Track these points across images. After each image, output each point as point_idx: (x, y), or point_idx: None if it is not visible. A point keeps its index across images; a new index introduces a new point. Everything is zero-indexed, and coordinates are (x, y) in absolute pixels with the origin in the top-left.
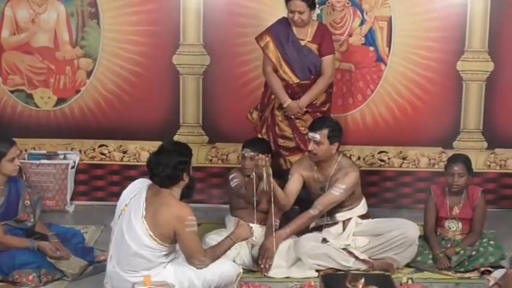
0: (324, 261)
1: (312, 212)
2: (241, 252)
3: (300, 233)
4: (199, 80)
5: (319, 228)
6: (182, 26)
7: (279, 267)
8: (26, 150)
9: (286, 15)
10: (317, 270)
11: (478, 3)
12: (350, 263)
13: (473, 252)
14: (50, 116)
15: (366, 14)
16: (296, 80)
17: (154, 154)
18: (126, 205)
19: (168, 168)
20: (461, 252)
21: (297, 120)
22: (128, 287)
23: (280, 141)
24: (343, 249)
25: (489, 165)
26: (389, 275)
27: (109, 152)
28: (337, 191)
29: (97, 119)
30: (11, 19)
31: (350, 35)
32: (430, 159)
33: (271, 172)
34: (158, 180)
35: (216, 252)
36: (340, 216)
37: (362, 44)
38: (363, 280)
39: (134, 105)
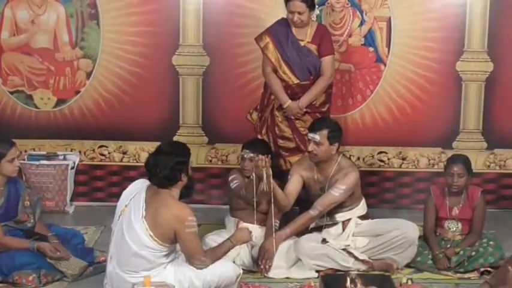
0: (324, 261)
1: (312, 212)
2: (241, 252)
3: (299, 233)
4: (198, 80)
5: (319, 229)
6: (182, 26)
7: (278, 268)
8: (25, 151)
9: (285, 16)
10: (317, 271)
11: (477, 3)
12: (350, 264)
13: (473, 253)
14: (50, 117)
15: (365, 14)
16: (296, 81)
17: (152, 155)
18: (126, 206)
19: (166, 169)
20: (461, 252)
21: (297, 121)
22: (127, 287)
23: (280, 141)
24: (343, 249)
25: (489, 166)
26: (389, 275)
27: (109, 153)
28: (337, 192)
29: (97, 120)
30: (10, 20)
31: (349, 36)
32: (429, 160)
33: (271, 173)
34: (156, 181)
35: (216, 254)
36: (340, 216)
37: (361, 44)
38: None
39: (134, 106)
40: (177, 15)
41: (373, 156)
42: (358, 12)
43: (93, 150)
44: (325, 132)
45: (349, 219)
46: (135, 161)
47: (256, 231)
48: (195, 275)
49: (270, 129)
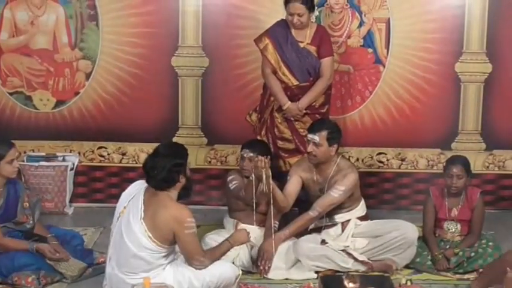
0: (323, 262)
1: (311, 213)
2: (241, 253)
3: (299, 234)
4: (198, 81)
5: (318, 230)
6: (181, 28)
7: (278, 269)
8: (24, 152)
9: (285, 18)
10: (316, 272)
11: (476, 5)
12: (349, 265)
13: (472, 254)
14: (49, 118)
15: (364, 15)
16: (295, 82)
17: (150, 157)
18: (124, 207)
19: (164, 171)
20: (460, 253)
21: (296, 122)
22: None
23: (280, 143)
24: (342, 250)
25: (487, 167)
26: (388, 276)
27: (108, 154)
28: (336, 193)
29: (96, 121)
30: (10, 21)
31: (348, 37)
32: (428, 161)
33: (270, 174)
34: (154, 183)
35: (215, 254)
36: (339, 217)
37: (360, 45)
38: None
39: (133, 107)
40: (177, 17)
41: (372, 157)
42: (357, 14)
43: (93, 151)
44: (324, 133)
45: (348, 220)
46: (134, 162)
47: (256, 232)
48: (194, 276)
49: (269, 131)
